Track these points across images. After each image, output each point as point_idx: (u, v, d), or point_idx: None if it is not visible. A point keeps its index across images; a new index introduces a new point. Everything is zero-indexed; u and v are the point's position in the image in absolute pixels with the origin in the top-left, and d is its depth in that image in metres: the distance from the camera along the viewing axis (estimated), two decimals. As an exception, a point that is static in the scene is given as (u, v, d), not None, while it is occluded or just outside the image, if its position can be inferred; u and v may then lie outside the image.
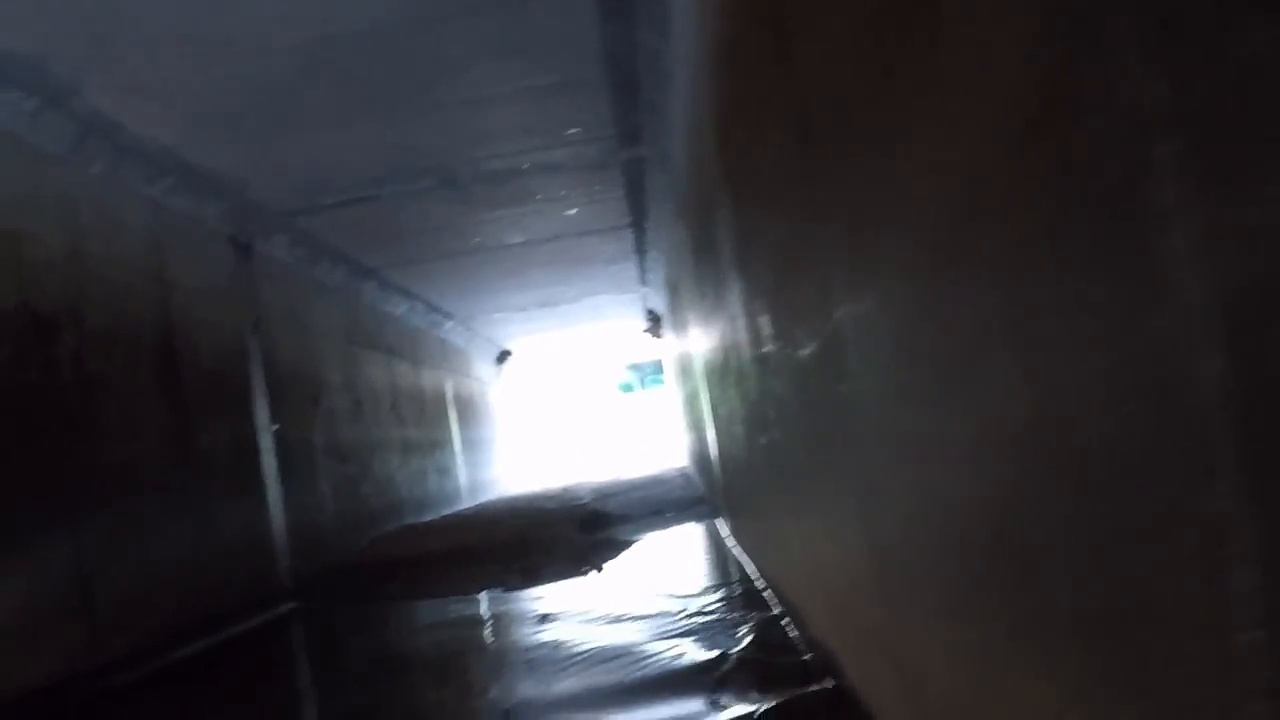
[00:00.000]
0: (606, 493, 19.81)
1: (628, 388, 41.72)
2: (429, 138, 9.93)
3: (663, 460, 29.21)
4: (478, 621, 8.54)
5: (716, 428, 9.98)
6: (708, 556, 10.19)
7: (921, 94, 2.11)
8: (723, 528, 11.22)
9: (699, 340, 10.28)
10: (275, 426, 11.42)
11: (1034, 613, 1.94)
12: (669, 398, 30.67)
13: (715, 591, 7.54)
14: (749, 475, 7.15)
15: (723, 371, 7.88)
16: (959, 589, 2.42)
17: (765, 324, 4.77)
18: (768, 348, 4.82)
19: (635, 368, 40.30)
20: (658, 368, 36.29)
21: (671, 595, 7.71)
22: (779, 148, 3.72)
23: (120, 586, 7.98)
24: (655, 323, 24.22)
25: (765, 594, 6.94)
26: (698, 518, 13.21)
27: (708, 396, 10.51)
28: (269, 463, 11.14)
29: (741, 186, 4.93)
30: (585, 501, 17.92)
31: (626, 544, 11.56)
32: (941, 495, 2.46)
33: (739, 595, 7.26)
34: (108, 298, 8.51)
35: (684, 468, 23.91)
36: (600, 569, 9.98)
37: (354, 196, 11.42)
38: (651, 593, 8.04)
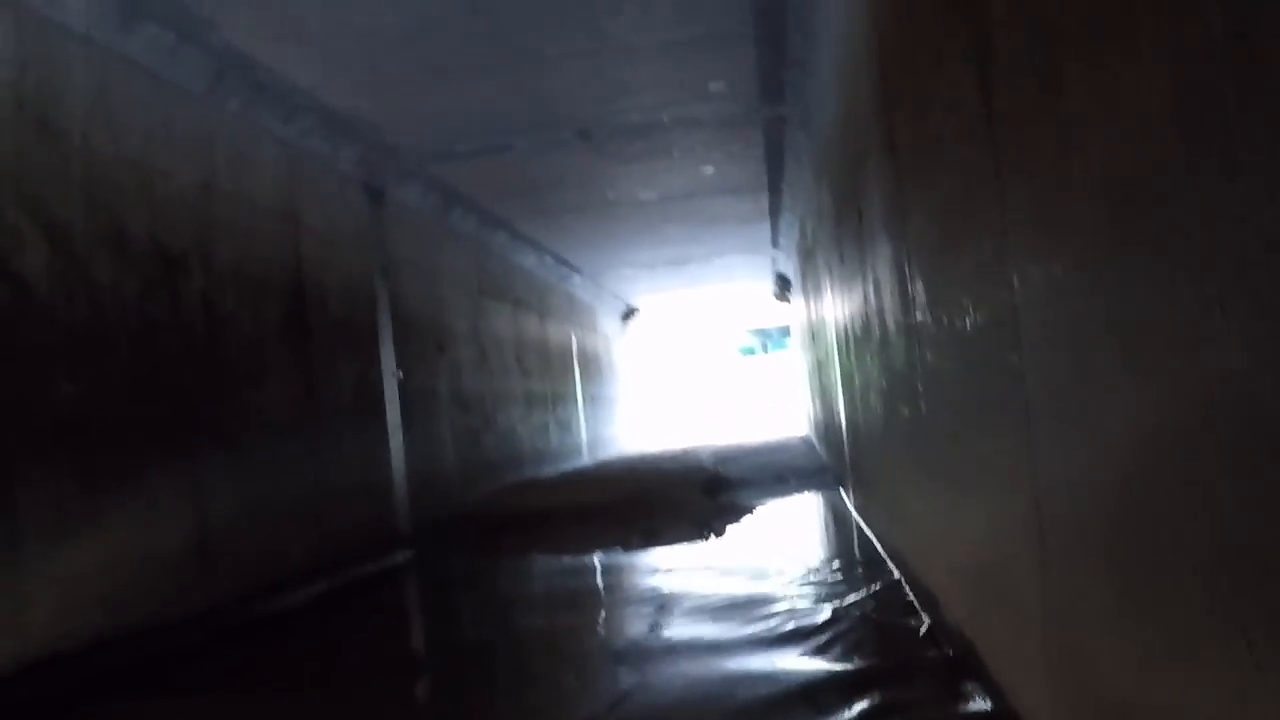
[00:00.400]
0: (728, 457, 19.61)
1: (749, 351, 41.44)
2: (568, 88, 9.72)
3: (784, 427, 28.98)
4: (595, 576, 8.40)
5: (847, 397, 9.70)
6: (831, 529, 9.94)
7: (1137, 29, 1.84)
8: (848, 500, 10.94)
9: (833, 307, 9.99)
10: (400, 373, 11.37)
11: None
12: (792, 364, 30.39)
13: (839, 566, 7.31)
14: (884, 448, 6.88)
15: (861, 340, 7.60)
16: (1138, 574, 2.17)
17: (920, 290, 4.50)
18: (921, 315, 4.55)
19: (759, 332, 39.98)
20: (783, 333, 35.95)
21: (792, 568, 7.51)
22: (953, 98, 3.45)
23: (239, 526, 7.96)
24: (783, 287, 23.90)
25: (895, 575, 6.70)
26: (821, 487, 12.94)
27: (839, 365, 10.22)
28: (393, 409, 11.10)
29: (901, 142, 4.64)
30: (706, 464, 17.74)
31: (748, 509, 11.34)
32: (1121, 472, 2.21)
33: (862, 571, 7.02)
34: (238, 237, 8.47)
35: (805, 435, 23.65)
36: (721, 533, 9.79)
37: (489, 145, 11.27)
38: (772, 561, 7.84)
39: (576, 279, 21.64)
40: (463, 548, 10.86)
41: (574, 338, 22.08)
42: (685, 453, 22.16)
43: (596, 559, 9.17)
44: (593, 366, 24.04)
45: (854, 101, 6.28)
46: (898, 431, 5.90)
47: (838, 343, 10.02)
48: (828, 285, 10.54)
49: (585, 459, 21.44)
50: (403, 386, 11.42)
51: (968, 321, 3.60)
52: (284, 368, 8.95)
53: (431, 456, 12.25)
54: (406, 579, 9.83)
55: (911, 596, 5.92)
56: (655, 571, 8.01)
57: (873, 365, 6.91)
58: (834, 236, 9.02)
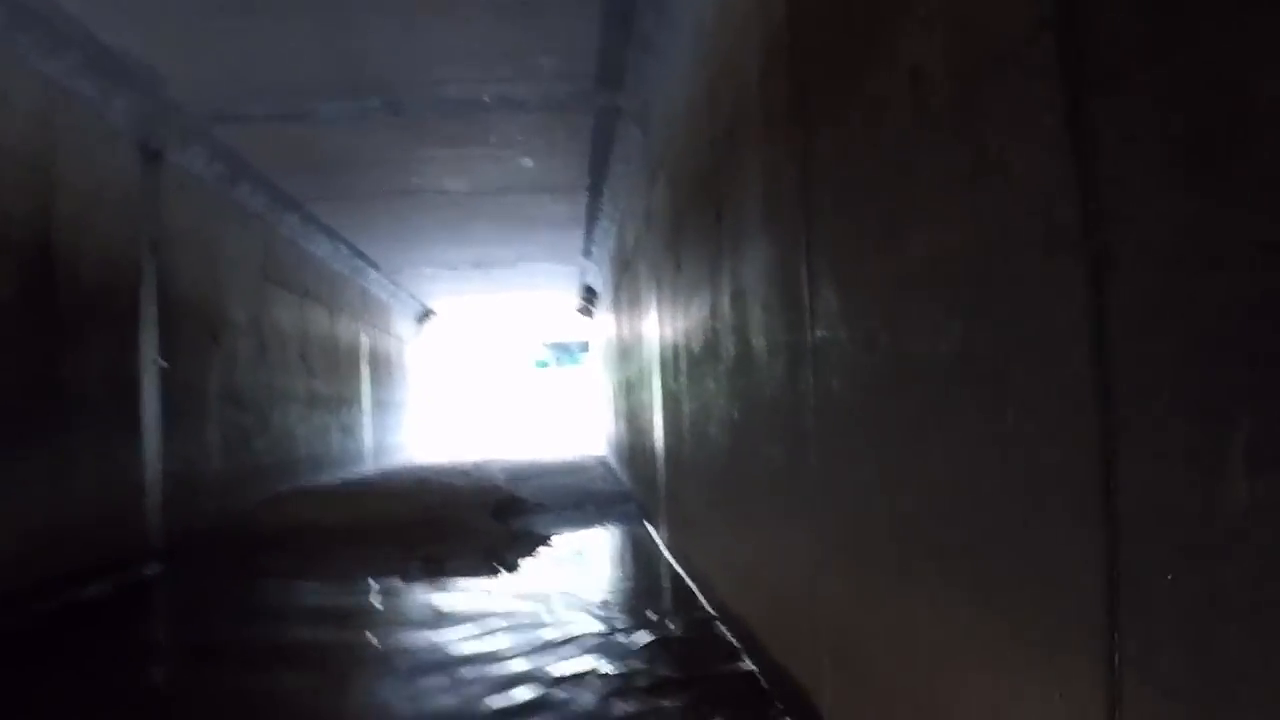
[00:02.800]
0: (521, 475, 18.50)
1: (543, 364, 40.40)
2: (380, 47, 8.47)
3: (579, 445, 27.93)
4: (364, 616, 7.10)
5: (670, 425, 8.67)
6: (639, 569, 8.83)
7: None
8: (656, 536, 9.92)
9: (658, 323, 8.97)
10: (163, 363, 9.94)
11: None
12: (590, 380, 29.45)
13: (650, 621, 6.25)
14: (731, 491, 5.84)
15: (699, 360, 6.57)
16: None
17: (829, 300, 3.46)
18: (825, 332, 3.51)
19: (556, 346, 38.95)
20: (580, 348, 34.99)
21: (596, 614, 6.42)
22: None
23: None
24: (589, 300, 22.95)
25: (721, 630, 5.68)
26: (623, 519, 11.91)
27: (660, 388, 9.21)
28: (150, 403, 9.66)
29: (821, 107, 3.59)
30: (499, 483, 16.62)
31: (544, 539, 10.23)
32: None
33: (683, 634, 5.98)
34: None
35: (603, 456, 22.68)
36: (514, 567, 8.64)
37: (286, 109, 9.94)
38: (571, 606, 6.74)
39: (372, 274, 20.20)
40: (221, 566, 9.47)
41: (365, 337, 20.63)
42: (476, 467, 21.01)
43: (368, 593, 7.89)
44: (383, 369, 22.59)
45: (728, 71, 5.22)
46: (757, 473, 4.84)
47: (662, 362, 9.00)
48: (652, 298, 9.53)
49: (369, 467, 20.04)
50: (166, 378, 9.98)
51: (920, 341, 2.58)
52: (17, 345, 7.50)
53: (194, 459, 10.81)
54: (148, 600, 8.43)
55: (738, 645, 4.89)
56: (433, 620, 6.76)
57: (718, 391, 5.87)
58: (669, 243, 8.01)
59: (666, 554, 8.88)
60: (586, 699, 4.71)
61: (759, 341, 4.64)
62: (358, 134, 10.82)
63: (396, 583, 8.15)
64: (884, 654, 3.12)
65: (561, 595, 7.21)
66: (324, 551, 9.72)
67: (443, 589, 7.82)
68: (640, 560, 9.20)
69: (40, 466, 7.70)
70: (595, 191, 13.51)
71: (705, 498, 6.68)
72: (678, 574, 7.88)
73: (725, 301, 5.48)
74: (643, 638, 5.81)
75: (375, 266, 19.74)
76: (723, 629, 5.85)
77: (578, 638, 5.89)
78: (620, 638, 5.85)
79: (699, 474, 6.87)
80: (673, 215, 7.70)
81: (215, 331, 11.64)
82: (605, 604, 6.91)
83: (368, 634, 6.42)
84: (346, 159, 11.84)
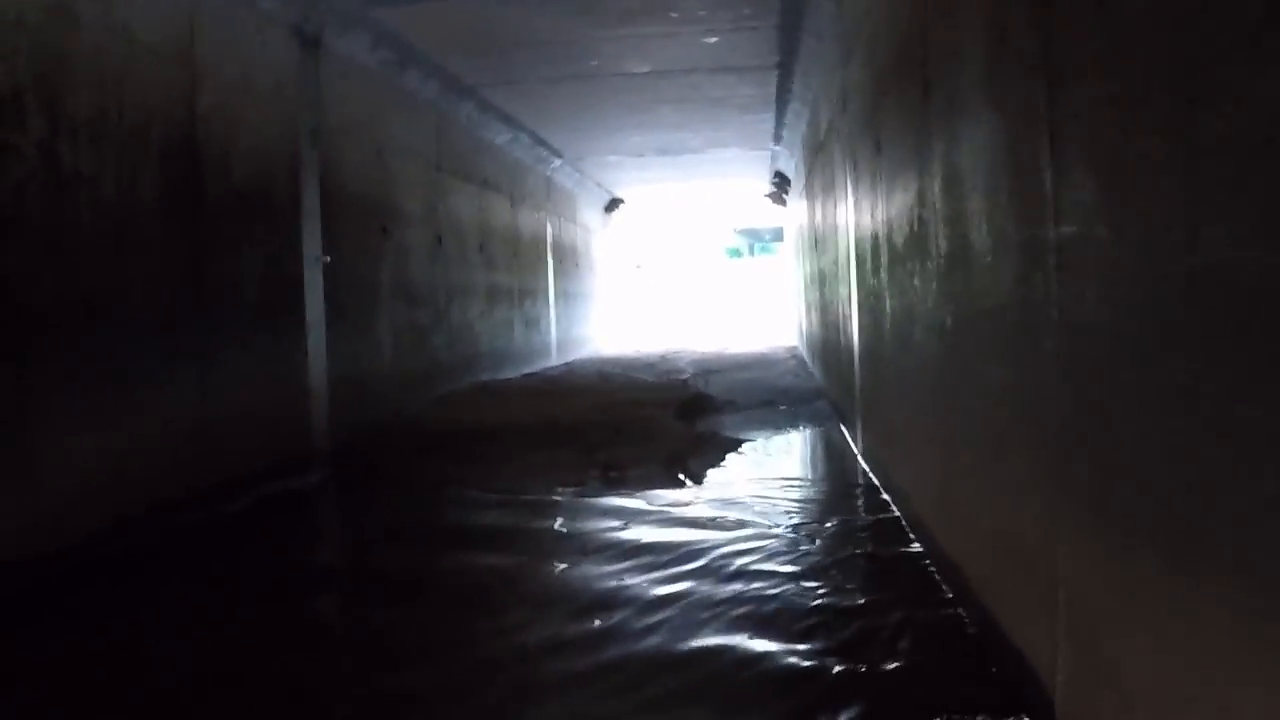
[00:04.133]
0: (709, 367, 17.94)
1: (735, 253, 39.50)
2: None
3: (771, 336, 27.12)
4: (536, 540, 6.51)
5: (867, 322, 7.87)
6: (834, 486, 8.03)
7: None
8: (853, 443, 9.16)
9: (854, 211, 8.12)
10: (327, 258, 9.47)
11: None
12: (783, 269, 28.59)
13: (848, 559, 5.54)
14: (930, 400, 5.06)
15: (903, 255, 5.75)
16: None
17: (1078, 188, 2.66)
18: (1067, 229, 2.73)
19: (748, 233, 38.00)
20: (774, 235, 34.00)
21: (784, 547, 5.74)
22: None
23: (86, 450, 6.13)
24: (781, 187, 22.02)
25: (926, 567, 4.94)
26: (816, 420, 11.15)
27: (856, 281, 8.39)
28: (314, 301, 9.22)
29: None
30: (685, 376, 16.04)
31: (733, 445, 9.53)
32: None
33: (878, 566, 5.27)
34: (103, 79, 6.50)
35: (794, 348, 21.93)
36: (701, 479, 7.98)
37: (451, -14, 9.31)
38: (760, 536, 6.04)
39: (556, 163, 19.60)
40: (387, 471, 9.02)
41: (549, 227, 20.09)
42: (664, 359, 20.54)
43: (542, 507, 7.30)
44: (569, 260, 22.08)
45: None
46: (975, 393, 4.05)
47: (858, 255, 8.17)
48: (847, 184, 8.69)
49: (554, 361, 19.62)
50: (330, 275, 9.52)
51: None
52: (162, 248, 7.04)
53: (364, 358, 10.40)
54: (302, 510, 7.99)
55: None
56: (614, 550, 6.10)
57: (926, 291, 5.06)
58: (866, 123, 7.15)
59: (864, 465, 8.12)
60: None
61: (979, 237, 3.83)
62: (529, 12, 10.13)
63: (572, 496, 7.56)
64: (1146, 653, 2.37)
65: (752, 518, 6.52)
66: (497, 456, 9.19)
67: (624, 501, 7.20)
68: (835, 475, 8.41)
69: (191, 372, 7.29)
70: (785, 71, 12.59)
71: (909, 411, 5.89)
72: (876, 491, 7.12)
73: (935, 188, 4.66)
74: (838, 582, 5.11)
75: (558, 154, 19.14)
76: (928, 566, 5.10)
77: (762, 579, 5.19)
78: (809, 583, 5.15)
79: (903, 383, 6.08)
80: (871, 92, 6.83)
81: (385, 224, 11.16)
82: (796, 532, 6.20)
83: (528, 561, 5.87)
84: (520, 41, 11.16)
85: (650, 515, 6.74)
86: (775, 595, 4.82)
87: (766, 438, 10.17)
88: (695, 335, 30.04)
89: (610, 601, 4.87)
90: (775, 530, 6.14)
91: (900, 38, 5.54)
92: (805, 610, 4.57)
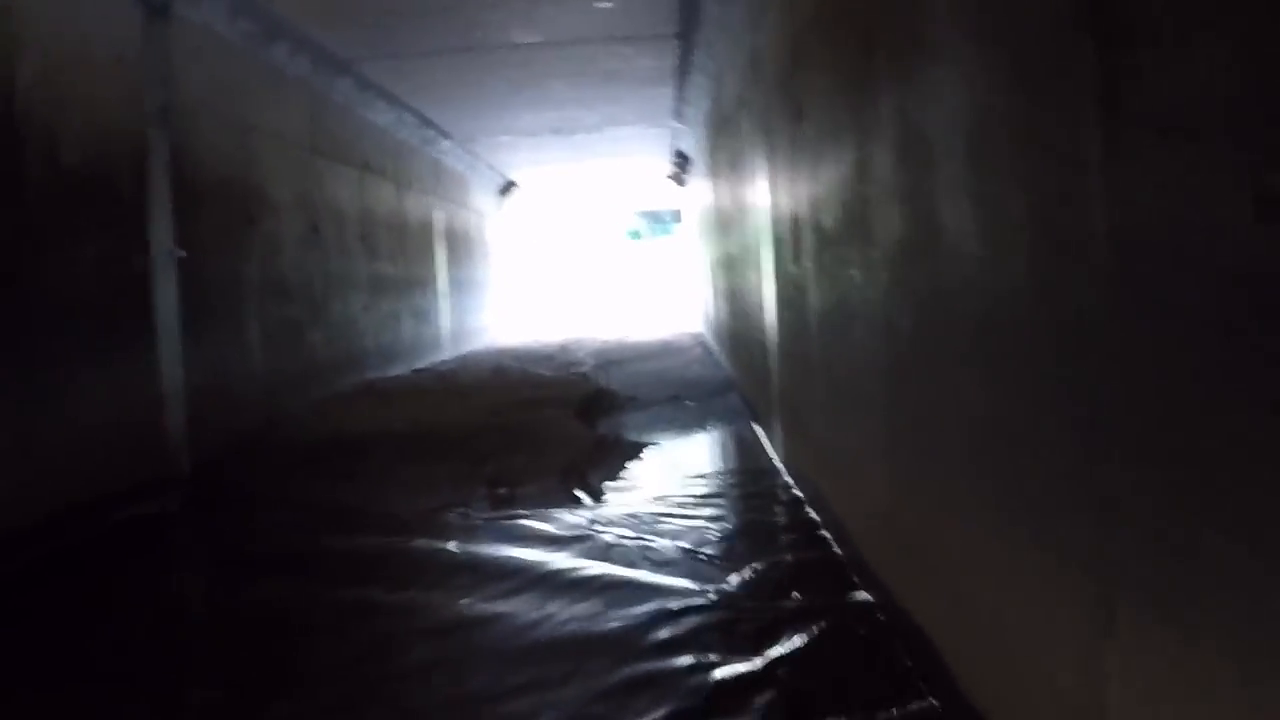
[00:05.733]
0: (610, 358, 17.06)
1: (636, 235, 38.59)
2: None
3: (673, 322, 26.27)
4: (407, 577, 5.53)
5: (789, 313, 6.99)
6: (750, 500, 7.05)
7: None
8: (769, 445, 8.30)
9: (775, 189, 7.22)
10: (181, 252, 8.40)
11: None
12: (684, 252, 27.82)
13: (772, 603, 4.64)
14: (876, 414, 4.17)
15: (834, 239, 4.88)
16: None
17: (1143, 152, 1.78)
18: (1123, 216, 1.85)
19: (648, 215, 37.07)
20: (673, 217, 33.14)
21: (697, 579, 4.83)
22: None
23: None
24: (682, 166, 21.18)
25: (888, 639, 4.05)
26: (728, 417, 10.25)
27: (775, 268, 7.51)
28: (166, 301, 8.15)
29: None
30: (585, 369, 15.15)
31: (636, 450, 8.62)
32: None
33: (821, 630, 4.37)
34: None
35: (699, 334, 21.10)
36: (599, 495, 7.06)
37: (314, -55, 8.28)
38: (666, 568, 5.16)
39: (444, 144, 18.52)
40: (254, 491, 7.96)
41: (439, 213, 18.98)
42: (563, 349, 19.66)
43: (417, 532, 6.32)
44: (461, 247, 20.99)
45: None
46: (951, 423, 3.16)
47: (775, 238, 7.30)
48: (761, 160, 7.82)
49: (448, 354, 18.57)
50: (186, 270, 8.46)
51: None
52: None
53: (229, 362, 9.35)
54: (152, 539, 6.88)
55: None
56: (490, 587, 5.15)
57: (869, 284, 4.17)
58: (784, 86, 6.28)
59: (784, 475, 7.24)
60: None
61: (957, 219, 2.95)
62: (402, -28, 9.15)
63: (455, 519, 6.61)
64: None
65: (660, 547, 5.61)
66: (377, 471, 8.20)
67: (511, 527, 6.26)
68: (753, 487, 7.36)
69: (8, 387, 6.22)
70: (685, 41, 11.69)
71: (847, 422, 4.99)
72: (800, 507, 6.26)
73: (884, 158, 3.78)
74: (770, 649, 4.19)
75: (447, 135, 18.08)
76: (883, 623, 4.20)
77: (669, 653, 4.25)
78: (732, 652, 4.23)
79: (837, 389, 5.18)
80: (791, 48, 5.94)
81: (252, 213, 10.10)
82: (712, 566, 5.30)
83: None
84: (396, 9, 10.16)
85: (541, 545, 5.80)
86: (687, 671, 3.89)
87: (674, 439, 9.26)
88: (596, 322, 29.09)
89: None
90: (687, 564, 5.24)
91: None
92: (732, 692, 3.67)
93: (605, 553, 5.54)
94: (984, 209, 2.74)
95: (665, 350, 18.50)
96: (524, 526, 6.24)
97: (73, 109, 7.08)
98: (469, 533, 6.21)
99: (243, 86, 10.10)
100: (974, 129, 2.78)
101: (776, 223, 7.15)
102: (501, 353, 19.55)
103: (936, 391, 3.31)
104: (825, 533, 5.60)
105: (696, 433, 9.69)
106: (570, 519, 6.39)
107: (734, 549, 5.54)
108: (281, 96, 11.14)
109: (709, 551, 5.49)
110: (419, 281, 17.12)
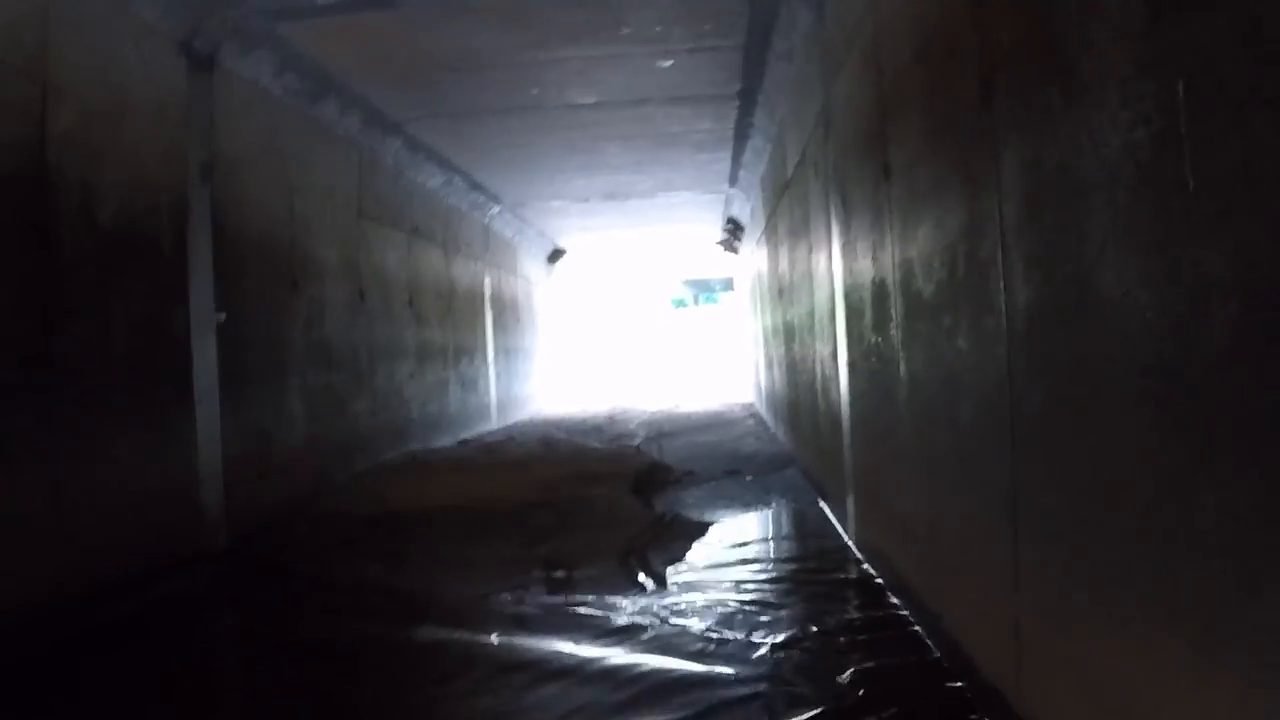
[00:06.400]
0: (661, 429, 16.63)
1: (680, 303, 38.23)
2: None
3: (722, 393, 25.79)
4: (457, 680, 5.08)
5: (863, 386, 6.52)
6: (824, 587, 6.54)
7: None
8: (842, 526, 7.80)
9: (850, 254, 6.77)
10: (221, 315, 8.04)
11: None
12: (736, 321, 27.45)
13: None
14: (988, 497, 3.69)
15: (932, 307, 4.43)
16: None
17: None
18: None
19: (694, 283, 36.72)
20: (723, 285, 32.78)
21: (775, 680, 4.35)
22: None
23: None
24: (733, 233, 20.82)
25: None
26: (790, 493, 9.75)
27: (847, 336, 7.06)
28: (205, 367, 7.78)
29: None
30: (637, 441, 14.71)
31: (699, 530, 8.13)
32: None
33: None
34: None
35: (750, 405, 20.66)
36: (662, 579, 6.59)
37: (362, -7, 7.98)
38: (740, 661, 4.69)
39: (494, 209, 18.22)
40: (295, 570, 7.51)
41: (488, 279, 18.65)
42: (611, 419, 19.23)
43: (468, 621, 5.87)
44: (509, 314, 20.64)
45: None
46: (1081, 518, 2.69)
47: (848, 306, 6.86)
48: (829, 223, 7.41)
49: (494, 424, 18.15)
50: (226, 335, 8.10)
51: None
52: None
53: (270, 431, 8.96)
54: (183, 623, 6.40)
55: None
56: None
57: (978, 358, 3.71)
58: (867, 145, 5.86)
59: (863, 562, 6.72)
60: None
61: (1117, 280, 2.50)
62: (461, 31, 8.84)
63: (508, 604, 6.15)
64: None
65: (733, 644, 5.13)
66: (426, 550, 7.76)
67: (569, 616, 5.80)
68: (823, 568, 6.84)
69: (37, 459, 5.83)
70: (747, 100, 11.31)
71: (949, 513, 4.52)
72: (882, 597, 5.77)
73: (1005, 212, 3.34)
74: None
75: (497, 200, 17.78)
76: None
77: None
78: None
79: (936, 473, 4.70)
80: (876, 99, 5.52)
81: (296, 276, 9.74)
82: (786, 660, 4.83)
83: None
84: (451, 65, 9.82)
85: (601, 637, 5.34)
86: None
87: (736, 517, 8.78)
88: (643, 391, 28.63)
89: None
90: (769, 662, 4.76)
91: (930, 24, 4.23)
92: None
93: (672, 647, 5.07)
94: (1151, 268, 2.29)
95: (717, 422, 18.03)
96: (583, 615, 5.77)
97: (110, 162, 6.77)
98: (523, 623, 5.75)
99: (289, 144, 9.78)
100: (1145, 169, 2.33)
101: (851, 290, 6.70)
102: (549, 423, 19.13)
103: (1073, 488, 2.84)
104: (918, 628, 5.10)
105: (759, 510, 9.19)
106: (632, 606, 5.92)
107: (817, 647, 5.05)
108: (329, 156, 10.83)
109: (790, 651, 5.00)
110: (466, 350, 16.75)
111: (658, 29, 8.88)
